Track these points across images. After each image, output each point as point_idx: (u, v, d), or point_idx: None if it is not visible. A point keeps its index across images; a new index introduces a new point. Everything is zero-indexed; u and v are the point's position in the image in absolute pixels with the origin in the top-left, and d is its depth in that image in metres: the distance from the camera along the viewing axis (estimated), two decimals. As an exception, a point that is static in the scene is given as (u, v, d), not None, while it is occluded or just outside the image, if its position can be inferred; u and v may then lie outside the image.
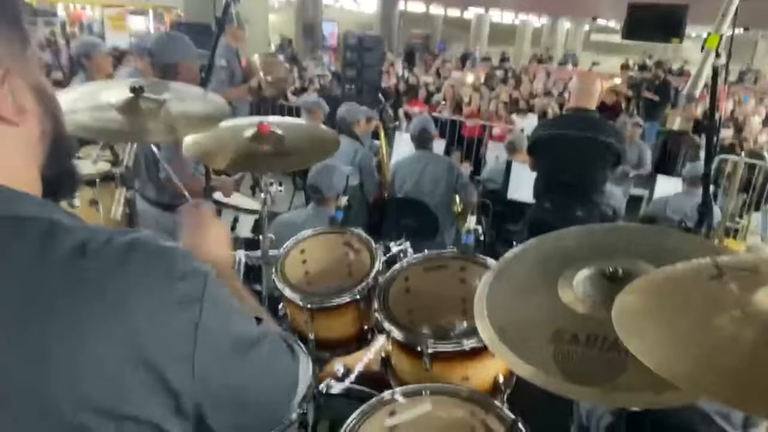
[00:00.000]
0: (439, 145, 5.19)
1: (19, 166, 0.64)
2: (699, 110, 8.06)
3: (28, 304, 0.55)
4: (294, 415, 1.31)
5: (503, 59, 18.58)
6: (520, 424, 1.16)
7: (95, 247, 0.59)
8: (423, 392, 1.28)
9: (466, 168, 5.38)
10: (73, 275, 0.57)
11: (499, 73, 12.10)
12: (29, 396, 0.54)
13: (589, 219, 3.10)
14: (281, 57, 9.23)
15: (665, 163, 7.44)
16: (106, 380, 0.56)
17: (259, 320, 0.75)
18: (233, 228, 2.67)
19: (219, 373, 0.65)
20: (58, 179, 0.71)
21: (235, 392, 0.68)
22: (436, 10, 26.40)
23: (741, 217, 5.34)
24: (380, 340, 1.59)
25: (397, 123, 7.20)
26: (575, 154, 3.13)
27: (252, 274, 1.90)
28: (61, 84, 3.98)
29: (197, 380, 0.61)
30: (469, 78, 9.90)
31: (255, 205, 2.88)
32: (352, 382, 1.57)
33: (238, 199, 2.81)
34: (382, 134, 4.42)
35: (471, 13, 25.89)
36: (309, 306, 1.62)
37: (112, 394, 0.56)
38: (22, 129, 0.64)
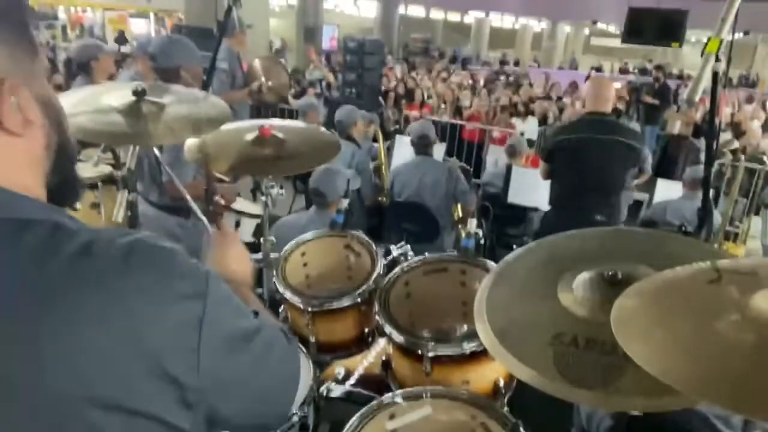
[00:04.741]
0: (439, 149, 5.19)
1: (24, 175, 0.65)
2: (698, 115, 8.06)
3: (31, 301, 0.56)
4: (295, 418, 1.31)
5: (503, 62, 18.62)
6: (520, 428, 1.16)
7: (98, 247, 0.60)
8: (423, 395, 1.28)
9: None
10: (75, 273, 0.58)
11: (501, 77, 12.14)
12: (34, 390, 0.55)
13: (609, 223, 3.09)
14: (283, 61, 9.25)
15: (665, 167, 7.44)
16: (111, 375, 0.57)
17: (255, 313, 0.77)
18: None
19: (225, 366, 0.67)
20: (62, 187, 0.72)
21: (242, 382, 0.70)
22: (437, 14, 26.43)
23: (741, 221, 5.34)
24: (381, 344, 1.59)
25: (397, 126, 7.21)
26: (599, 156, 3.14)
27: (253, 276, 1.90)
28: (60, 88, 3.99)
29: (203, 373, 0.63)
30: (454, 79, 9.93)
31: (256, 209, 2.88)
32: (352, 385, 1.57)
33: (239, 203, 2.82)
34: (380, 139, 4.42)
35: (471, 17, 25.94)
36: (310, 309, 1.63)
37: (118, 389, 0.57)
38: (27, 140, 0.65)
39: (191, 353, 0.62)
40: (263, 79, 4.33)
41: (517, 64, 20.05)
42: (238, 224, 2.68)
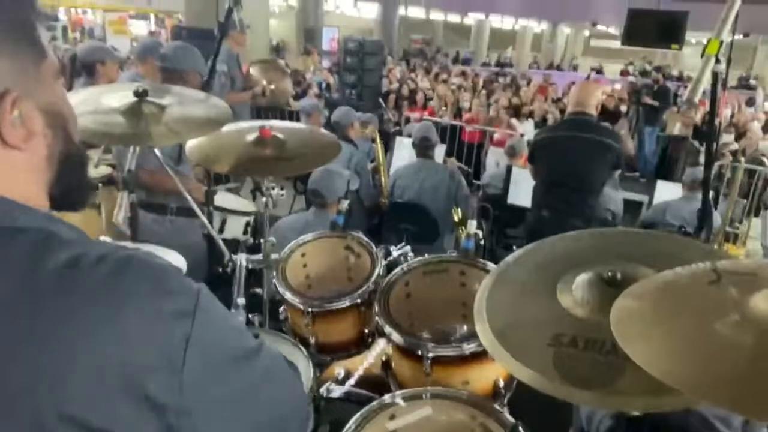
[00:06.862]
0: (438, 151, 5.18)
1: (24, 186, 0.63)
2: (698, 116, 8.07)
3: (18, 314, 0.55)
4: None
5: (503, 64, 18.62)
6: (520, 428, 1.16)
7: (88, 261, 0.59)
8: (423, 396, 1.28)
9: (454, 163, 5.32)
10: (64, 287, 0.57)
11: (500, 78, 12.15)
12: (13, 402, 0.53)
13: (587, 227, 3.09)
14: (282, 62, 9.25)
15: (665, 169, 7.45)
16: (91, 393, 0.55)
17: (256, 336, 0.73)
18: (221, 230, 2.65)
19: (211, 387, 0.63)
20: (67, 194, 0.70)
21: (232, 408, 0.66)
22: (437, 15, 26.45)
23: (741, 222, 5.34)
24: (381, 344, 1.59)
25: (397, 128, 7.22)
26: (575, 154, 3.15)
27: (253, 277, 1.90)
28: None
29: (186, 395, 0.60)
30: (454, 80, 9.95)
31: (243, 206, 2.87)
32: (352, 386, 1.57)
33: (225, 200, 2.80)
34: (378, 140, 4.42)
35: (471, 18, 25.95)
36: (310, 310, 1.63)
37: (95, 407, 0.55)
38: (28, 153, 0.63)
39: (175, 374, 0.59)
40: (265, 82, 4.35)
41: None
42: (224, 222, 2.66)
